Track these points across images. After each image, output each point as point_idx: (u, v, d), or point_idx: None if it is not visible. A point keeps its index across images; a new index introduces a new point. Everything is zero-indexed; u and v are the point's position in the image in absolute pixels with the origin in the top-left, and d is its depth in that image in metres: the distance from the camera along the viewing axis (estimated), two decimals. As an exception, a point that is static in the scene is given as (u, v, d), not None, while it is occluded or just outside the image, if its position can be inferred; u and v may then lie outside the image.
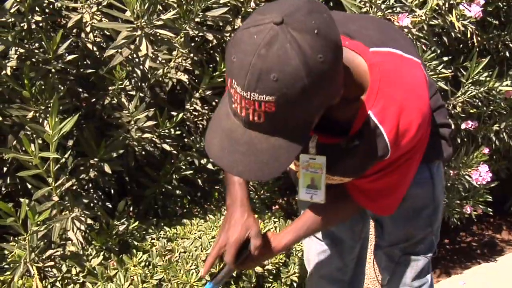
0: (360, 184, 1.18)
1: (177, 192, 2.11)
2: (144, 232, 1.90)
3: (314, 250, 1.55)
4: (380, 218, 1.40)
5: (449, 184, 2.69)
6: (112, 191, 2.10)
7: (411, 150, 1.08)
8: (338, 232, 1.47)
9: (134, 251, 1.77)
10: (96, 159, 1.87)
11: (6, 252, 1.79)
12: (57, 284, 1.71)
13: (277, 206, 2.62)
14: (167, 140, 2.04)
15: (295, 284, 1.90)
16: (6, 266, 1.80)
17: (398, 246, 1.38)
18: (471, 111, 2.47)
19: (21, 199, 1.64)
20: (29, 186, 1.85)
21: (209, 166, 2.16)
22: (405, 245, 1.38)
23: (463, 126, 2.47)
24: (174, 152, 2.08)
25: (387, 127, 1.02)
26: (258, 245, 1.18)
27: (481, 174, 2.51)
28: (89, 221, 1.80)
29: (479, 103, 2.48)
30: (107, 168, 1.85)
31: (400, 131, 1.02)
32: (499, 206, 3.05)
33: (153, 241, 1.87)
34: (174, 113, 2.07)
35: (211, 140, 0.97)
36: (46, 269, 1.77)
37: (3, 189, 1.99)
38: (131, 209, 2.10)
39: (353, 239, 1.52)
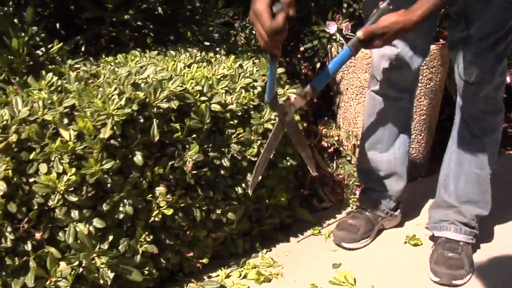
0: None
1: (131, 21, 1.59)
2: (67, 57, 1.42)
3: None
4: (473, 13, 1.37)
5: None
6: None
7: None
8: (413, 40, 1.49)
9: (44, 73, 1.29)
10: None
11: None
12: None
13: None
14: None
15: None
16: None
17: (489, 39, 1.36)
18: None
19: None
20: None
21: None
22: (496, 38, 1.36)
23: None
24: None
25: None
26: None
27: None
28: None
29: None
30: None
31: None
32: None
33: (77, 65, 1.39)
34: None
35: None
36: None
37: None
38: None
39: (426, 43, 1.56)
